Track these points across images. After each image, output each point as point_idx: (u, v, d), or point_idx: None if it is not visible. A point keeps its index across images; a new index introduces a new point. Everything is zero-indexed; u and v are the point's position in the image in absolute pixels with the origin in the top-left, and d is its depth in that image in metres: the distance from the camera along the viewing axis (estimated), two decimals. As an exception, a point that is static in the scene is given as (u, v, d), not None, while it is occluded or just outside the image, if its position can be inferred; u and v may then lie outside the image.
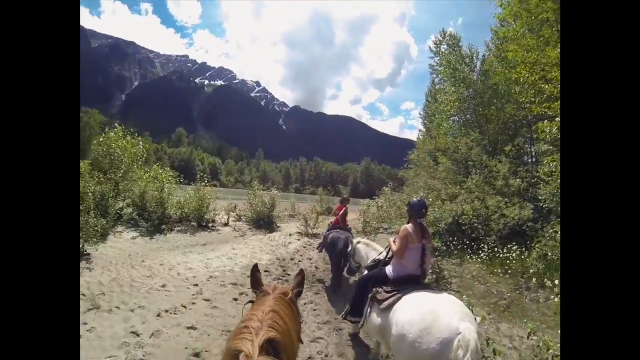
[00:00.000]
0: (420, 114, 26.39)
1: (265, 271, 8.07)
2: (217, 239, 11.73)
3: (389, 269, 4.11)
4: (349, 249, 6.33)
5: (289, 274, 8.10)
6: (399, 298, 3.50)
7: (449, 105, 13.68)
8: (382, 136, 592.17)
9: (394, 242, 4.22)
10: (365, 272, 4.83)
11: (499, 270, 7.97)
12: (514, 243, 8.28)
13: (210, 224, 13.14)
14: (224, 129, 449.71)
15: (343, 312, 4.74)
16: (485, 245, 8.63)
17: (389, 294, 3.67)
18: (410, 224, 4.07)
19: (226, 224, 13.80)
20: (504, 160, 10.39)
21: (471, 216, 9.36)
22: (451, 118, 15.15)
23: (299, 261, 9.56)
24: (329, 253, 7.72)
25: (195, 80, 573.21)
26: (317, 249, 9.55)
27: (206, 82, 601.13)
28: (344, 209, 8.66)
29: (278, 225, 14.92)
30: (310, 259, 9.85)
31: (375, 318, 3.80)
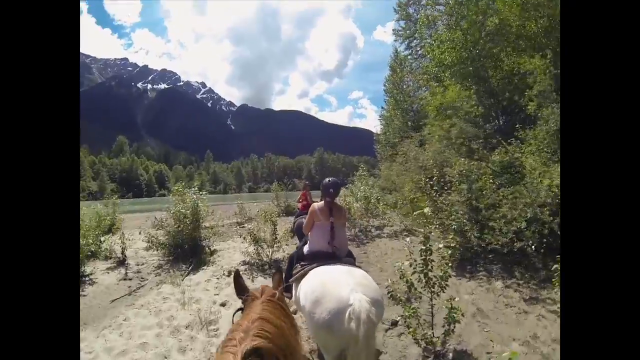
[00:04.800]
0: (385, 85, 24.67)
1: None
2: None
3: (305, 247, 4.14)
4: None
5: None
6: (306, 272, 3.44)
7: (446, 53, 11.35)
8: (331, 127, 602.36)
9: None
10: None
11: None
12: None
13: (87, 270, 7.72)
14: (171, 134, 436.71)
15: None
16: None
17: (300, 268, 3.66)
18: (321, 202, 4.04)
19: (123, 261, 8.59)
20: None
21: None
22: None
23: None
24: (299, 240, 8.04)
25: (137, 85, 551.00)
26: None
27: (149, 86, 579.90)
28: (307, 194, 10.01)
29: (212, 249, 9.54)
30: None
31: (293, 292, 3.80)
